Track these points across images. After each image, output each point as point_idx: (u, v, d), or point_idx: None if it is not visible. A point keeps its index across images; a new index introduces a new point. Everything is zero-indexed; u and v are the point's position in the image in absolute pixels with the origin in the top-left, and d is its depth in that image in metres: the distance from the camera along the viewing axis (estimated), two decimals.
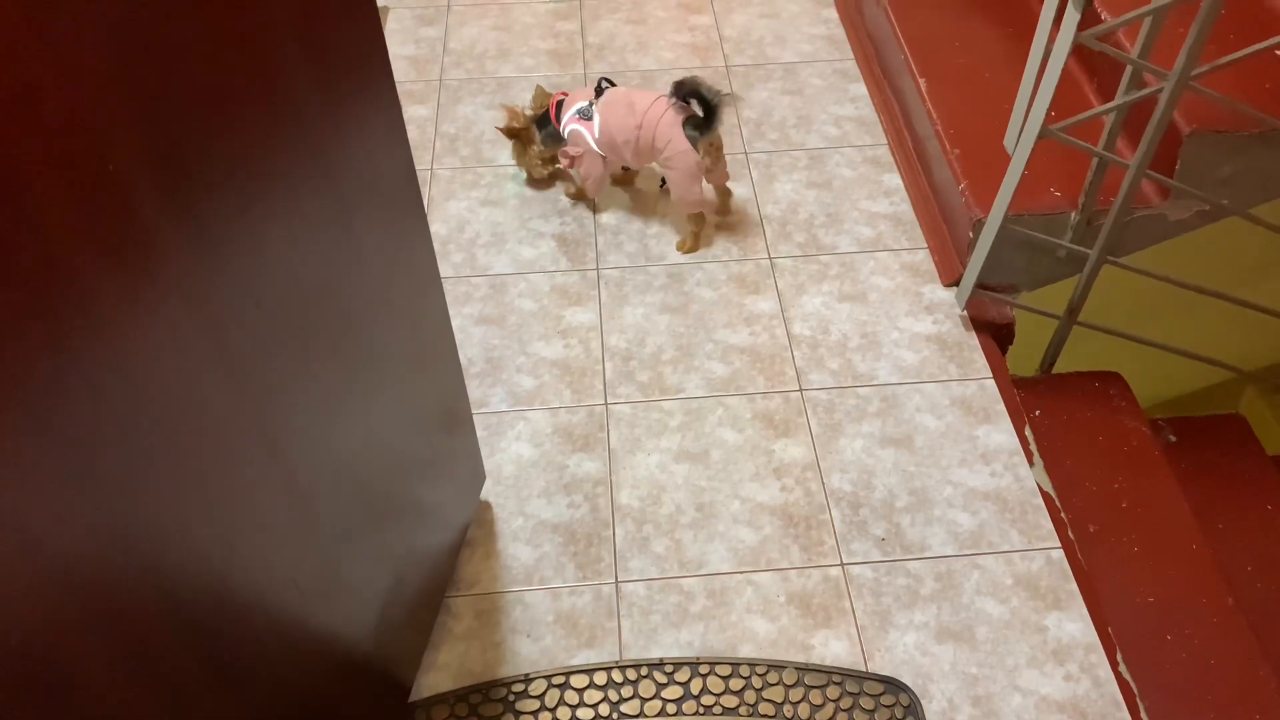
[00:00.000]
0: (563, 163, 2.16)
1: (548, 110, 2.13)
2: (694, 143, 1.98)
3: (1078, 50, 1.60)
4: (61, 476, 0.71)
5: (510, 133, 2.17)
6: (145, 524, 0.82)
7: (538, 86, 2.21)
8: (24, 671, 0.70)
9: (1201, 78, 1.61)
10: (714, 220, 2.20)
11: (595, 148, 2.08)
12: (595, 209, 2.22)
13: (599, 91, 2.11)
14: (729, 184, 2.17)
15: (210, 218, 0.84)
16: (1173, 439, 2.27)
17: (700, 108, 1.97)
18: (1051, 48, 1.62)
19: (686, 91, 1.96)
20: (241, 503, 0.96)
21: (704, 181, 2.06)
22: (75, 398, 0.71)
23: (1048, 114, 1.67)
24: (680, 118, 1.98)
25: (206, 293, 0.85)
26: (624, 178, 2.26)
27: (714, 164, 2.04)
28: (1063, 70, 1.60)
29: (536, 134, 2.15)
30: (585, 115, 2.08)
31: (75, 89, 0.67)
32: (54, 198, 0.67)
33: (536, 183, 2.27)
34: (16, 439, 0.66)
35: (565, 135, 2.11)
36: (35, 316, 0.66)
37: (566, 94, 2.15)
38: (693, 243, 2.14)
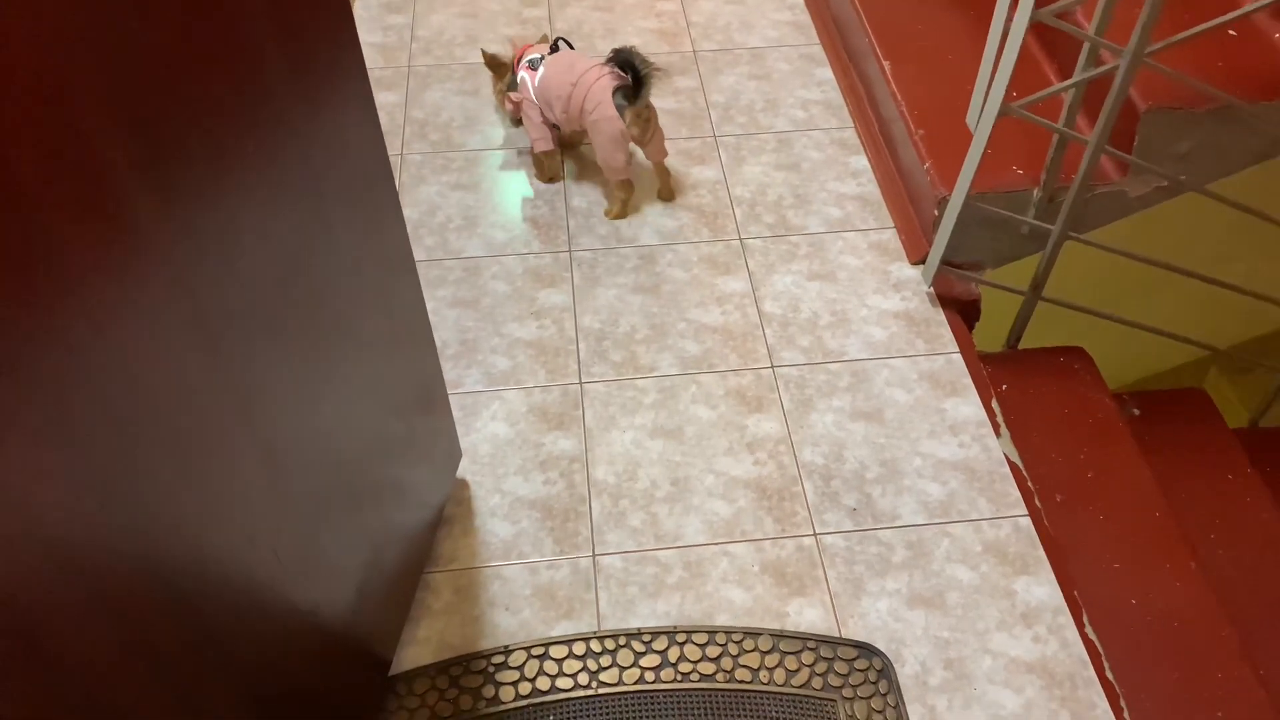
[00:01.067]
0: (508, 108, 2.26)
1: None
2: (621, 111, 2.04)
3: (1037, 30, 1.63)
4: (36, 435, 0.72)
5: (490, 62, 2.29)
6: (123, 487, 0.82)
7: (544, 34, 2.33)
8: (6, 631, 0.71)
9: (1157, 54, 1.65)
10: (689, 202, 2.22)
11: (533, 97, 2.16)
12: (551, 178, 2.26)
13: (554, 48, 2.20)
14: (667, 163, 2.21)
15: (184, 186, 0.85)
16: (1136, 412, 2.32)
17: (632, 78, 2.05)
18: (1010, 26, 1.66)
19: (621, 60, 2.03)
20: (219, 471, 0.97)
21: (633, 152, 2.14)
22: (49, 356, 0.72)
23: (1008, 92, 1.70)
24: (613, 84, 2.04)
25: (181, 259, 0.86)
26: (570, 141, 2.32)
27: (642, 134, 2.09)
28: (1022, 49, 1.64)
29: (509, 74, 2.26)
30: (534, 66, 2.17)
31: (44, 50, 0.68)
32: (26, 157, 0.67)
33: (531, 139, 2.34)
34: None
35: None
36: (6, 273, 0.67)
37: (535, 45, 2.23)
38: (619, 209, 2.19)
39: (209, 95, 0.88)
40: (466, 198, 2.23)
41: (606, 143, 2.08)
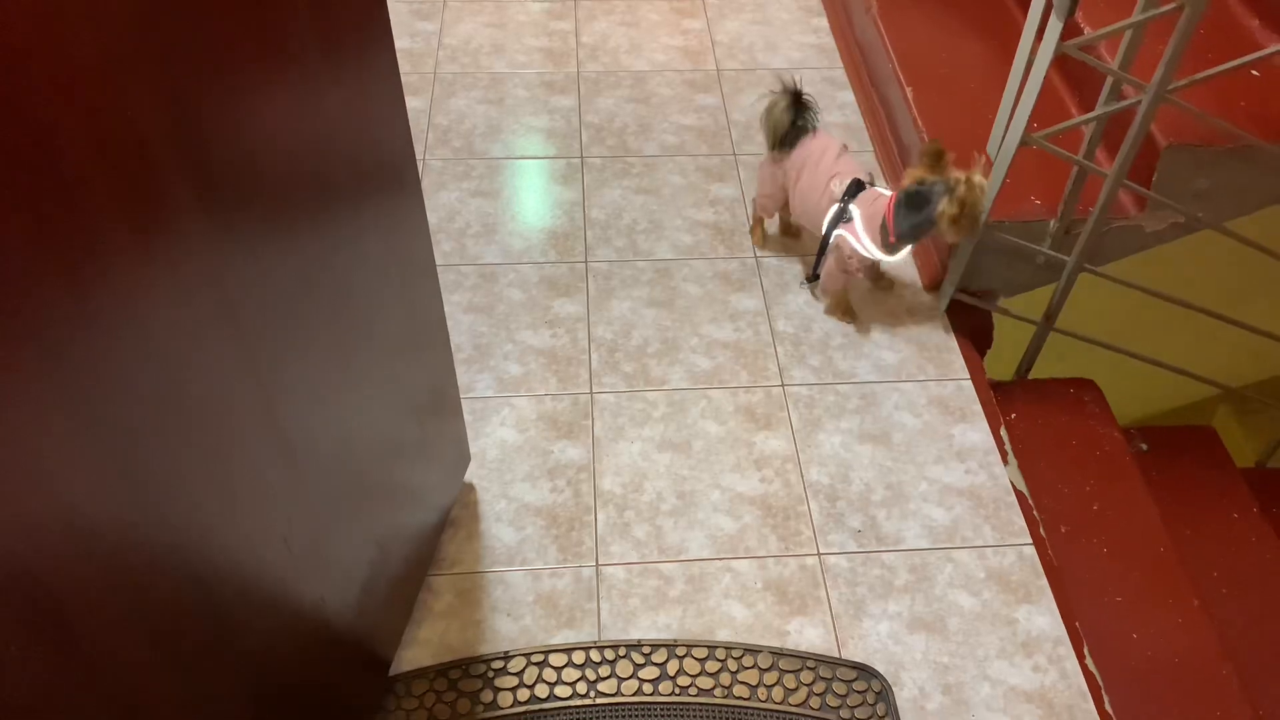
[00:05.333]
0: None
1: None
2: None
3: (1061, 63, 1.64)
4: (70, 415, 0.73)
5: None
6: (149, 474, 0.83)
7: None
8: (24, 601, 0.72)
9: (1179, 92, 1.66)
10: (706, 219, 2.24)
11: None
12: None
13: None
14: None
15: (220, 175, 0.87)
16: (1144, 447, 2.31)
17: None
18: (1034, 57, 1.67)
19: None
20: (240, 461, 0.98)
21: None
22: (86, 339, 0.73)
23: (1030, 123, 1.71)
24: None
25: (215, 251, 0.87)
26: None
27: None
28: (1045, 81, 1.65)
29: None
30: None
31: (104, 37, 0.69)
32: (77, 144, 0.69)
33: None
34: (32, 377, 0.68)
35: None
36: (52, 255, 0.68)
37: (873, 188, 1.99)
38: (758, 233, 2.20)
39: (248, 84, 0.89)
40: (486, 205, 2.24)
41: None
